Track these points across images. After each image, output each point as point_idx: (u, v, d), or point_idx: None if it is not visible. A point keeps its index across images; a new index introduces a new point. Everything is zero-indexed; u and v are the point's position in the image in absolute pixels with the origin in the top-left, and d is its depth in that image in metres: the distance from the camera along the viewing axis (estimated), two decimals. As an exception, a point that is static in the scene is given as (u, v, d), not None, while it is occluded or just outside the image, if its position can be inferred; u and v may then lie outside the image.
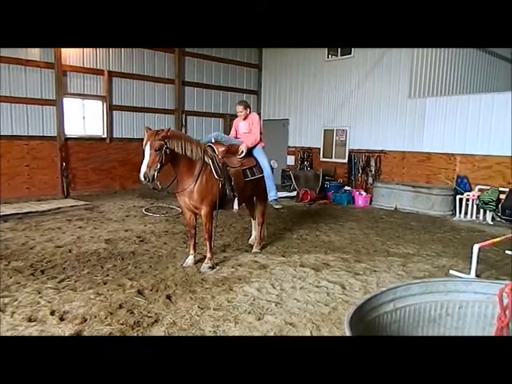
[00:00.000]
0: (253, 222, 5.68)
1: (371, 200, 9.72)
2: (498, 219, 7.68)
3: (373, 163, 10.46)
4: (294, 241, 6.00)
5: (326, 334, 3.09)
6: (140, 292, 3.82)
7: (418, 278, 4.15)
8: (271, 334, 3.07)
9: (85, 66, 9.72)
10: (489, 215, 7.81)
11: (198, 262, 4.74)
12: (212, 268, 4.57)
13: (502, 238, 4.92)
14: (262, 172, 5.15)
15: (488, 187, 7.94)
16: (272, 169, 5.31)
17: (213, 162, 4.61)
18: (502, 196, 7.56)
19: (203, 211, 4.55)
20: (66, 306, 3.45)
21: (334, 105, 11.49)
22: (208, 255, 4.65)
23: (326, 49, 11.45)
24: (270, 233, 6.28)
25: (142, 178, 4.09)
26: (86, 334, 3.01)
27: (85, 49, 9.66)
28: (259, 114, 13.56)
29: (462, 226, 7.46)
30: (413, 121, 9.69)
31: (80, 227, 6.47)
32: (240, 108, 5.21)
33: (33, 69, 8.93)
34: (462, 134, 8.79)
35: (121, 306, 3.48)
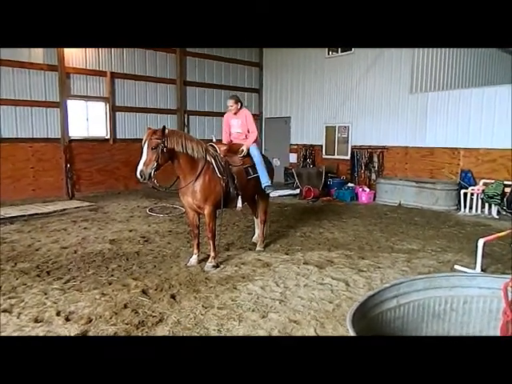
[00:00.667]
0: (255, 220, 5.69)
1: (375, 196, 9.70)
2: (504, 213, 7.63)
3: (376, 159, 10.42)
4: (298, 238, 5.99)
5: (330, 332, 3.09)
6: (144, 292, 3.84)
7: (422, 274, 4.14)
8: (275, 331, 3.08)
9: (87, 67, 9.77)
10: (494, 209, 7.76)
11: (202, 261, 4.76)
12: (216, 267, 4.58)
13: (508, 231, 4.88)
14: None
15: (492, 181, 7.90)
16: (271, 164, 5.30)
17: (215, 160, 4.62)
18: (507, 189, 7.51)
19: (206, 210, 4.56)
20: (71, 307, 3.48)
21: (335, 102, 11.46)
22: (212, 254, 4.66)
23: (327, 46, 11.46)
24: (273, 230, 6.28)
25: (139, 176, 4.10)
26: (91, 334, 3.03)
27: (87, 51, 9.71)
28: (261, 112, 13.56)
29: (467, 221, 7.42)
30: (415, 116, 9.64)
31: (85, 228, 6.51)
32: (231, 102, 5.18)
33: (36, 71, 8.99)
34: (465, 127, 8.73)
35: (125, 306, 3.50)
